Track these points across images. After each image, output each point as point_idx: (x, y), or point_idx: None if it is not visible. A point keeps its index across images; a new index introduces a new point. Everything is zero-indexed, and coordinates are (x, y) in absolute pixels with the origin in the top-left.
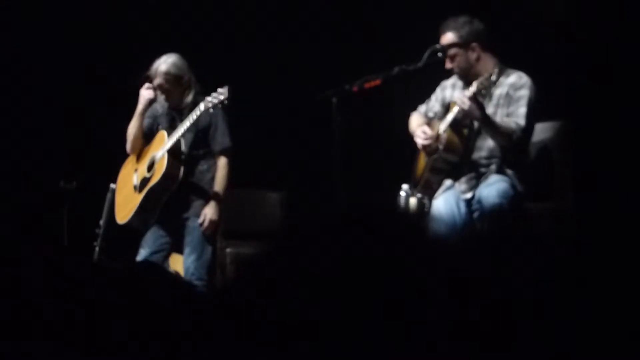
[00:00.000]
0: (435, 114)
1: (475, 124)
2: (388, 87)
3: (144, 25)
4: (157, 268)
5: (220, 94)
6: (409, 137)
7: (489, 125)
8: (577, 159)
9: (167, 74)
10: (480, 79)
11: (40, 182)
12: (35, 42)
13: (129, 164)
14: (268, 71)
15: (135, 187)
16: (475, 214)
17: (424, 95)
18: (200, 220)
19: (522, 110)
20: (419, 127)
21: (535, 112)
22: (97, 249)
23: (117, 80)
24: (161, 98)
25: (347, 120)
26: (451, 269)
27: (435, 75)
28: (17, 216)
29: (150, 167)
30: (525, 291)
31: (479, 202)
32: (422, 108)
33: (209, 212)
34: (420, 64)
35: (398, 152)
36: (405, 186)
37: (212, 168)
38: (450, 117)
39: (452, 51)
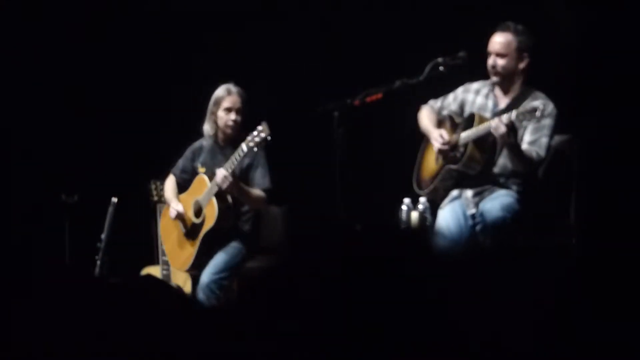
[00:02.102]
0: (451, 113)
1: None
2: (390, 101)
3: (148, 39)
4: (159, 282)
5: (262, 132)
6: (414, 137)
7: (516, 153)
8: (581, 172)
9: (241, 95)
10: (524, 111)
11: (42, 196)
12: (36, 52)
13: (168, 212)
14: (269, 85)
15: (186, 235)
16: (478, 227)
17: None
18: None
19: (544, 140)
20: (435, 130)
21: (553, 140)
22: (99, 263)
23: (120, 93)
24: (207, 128)
25: (349, 134)
26: (453, 283)
27: (436, 88)
28: (19, 230)
29: (198, 213)
30: (527, 303)
31: (482, 215)
32: (437, 104)
33: (224, 172)
34: (421, 78)
35: (400, 166)
36: (406, 200)
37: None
38: (475, 132)
39: (504, 50)
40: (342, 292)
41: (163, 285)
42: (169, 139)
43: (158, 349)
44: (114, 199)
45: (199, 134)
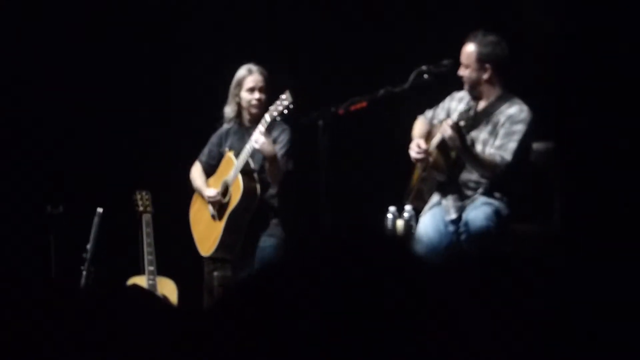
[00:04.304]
0: (440, 122)
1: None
2: (374, 109)
3: (133, 49)
4: (145, 292)
5: (284, 100)
6: (399, 145)
7: (469, 156)
8: (564, 180)
9: (263, 73)
10: (461, 111)
11: (27, 207)
12: (18, 60)
13: (198, 199)
14: None
15: (213, 217)
16: (463, 237)
17: (411, 116)
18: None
19: (511, 145)
20: (415, 139)
21: (527, 147)
22: (84, 273)
23: (105, 105)
24: (229, 110)
25: (334, 143)
26: (436, 292)
27: (421, 97)
28: (4, 242)
29: (225, 192)
30: (509, 314)
31: (466, 224)
32: (429, 113)
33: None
34: (406, 86)
35: (385, 174)
36: (392, 208)
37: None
38: (438, 137)
39: (466, 61)
40: (325, 303)
41: (149, 295)
42: (154, 150)
43: None
44: (100, 210)
45: (185, 145)
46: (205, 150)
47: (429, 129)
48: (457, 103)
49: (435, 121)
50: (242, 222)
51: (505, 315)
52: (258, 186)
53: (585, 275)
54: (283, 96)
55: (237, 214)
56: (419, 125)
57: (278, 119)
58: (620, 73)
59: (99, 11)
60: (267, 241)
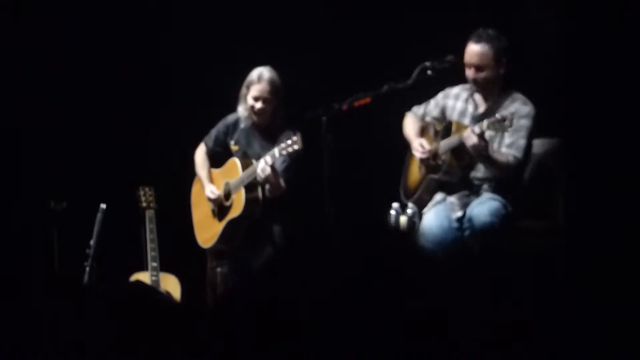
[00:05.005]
0: (433, 119)
1: None
2: (378, 105)
3: (135, 47)
4: (148, 288)
5: (295, 144)
6: (402, 142)
7: (489, 161)
8: (570, 176)
9: (272, 83)
10: (493, 120)
11: (30, 203)
12: (20, 57)
13: (200, 182)
14: None
15: (213, 213)
16: (467, 233)
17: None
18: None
19: (521, 142)
20: (416, 139)
21: (533, 141)
22: (87, 269)
23: (109, 100)
24: (241, 109)
25: (337, 139)
26: (441, 287)
27: (425, 92)
28: (7, 237)
29: (227, 196)
30: (516, 310)
31: (470, 220)
32: (420, 110)
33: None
34: (409, 82)
35: (388, 170)
36: (395, 204)
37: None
38: (452, 141)
39: (483, 62)
40: (334, 297)
41: (152, 292)
42: (157, 146)
43: (146, 356)
44: (103, 206)
45: (189, 141)
46: (212, 136)
47: (421, 126)
48: (454, 100)
49: (428, 118)
50: (242, 227)
51: (505, 315)
52: (260, 202)
53: (585, 274)
54: (294, 138)
55: (238, 222)
56: (412, 124)
57: (286, 159)
58: (624, 69)
59: (101, 6)
60: (266, 239)
